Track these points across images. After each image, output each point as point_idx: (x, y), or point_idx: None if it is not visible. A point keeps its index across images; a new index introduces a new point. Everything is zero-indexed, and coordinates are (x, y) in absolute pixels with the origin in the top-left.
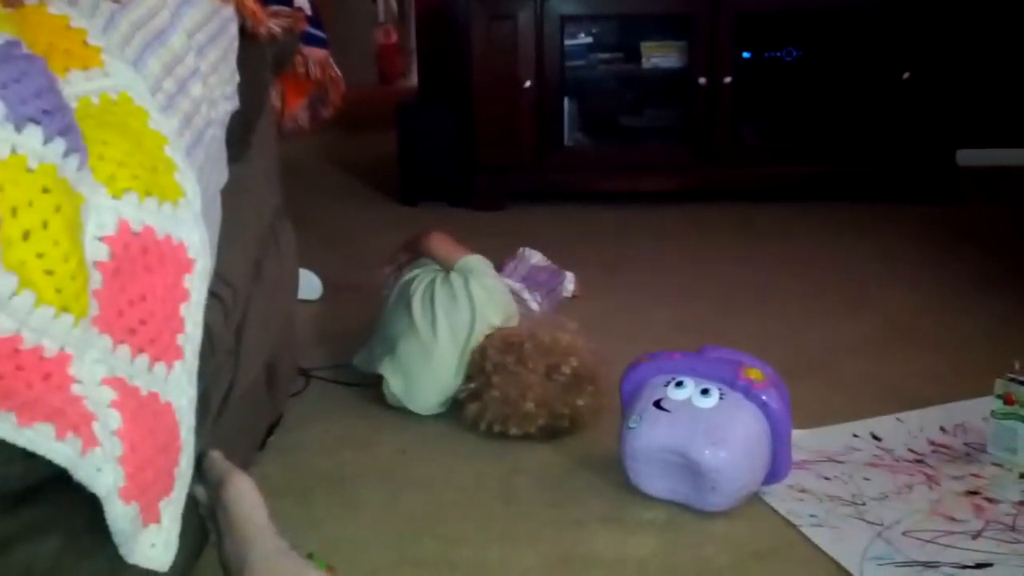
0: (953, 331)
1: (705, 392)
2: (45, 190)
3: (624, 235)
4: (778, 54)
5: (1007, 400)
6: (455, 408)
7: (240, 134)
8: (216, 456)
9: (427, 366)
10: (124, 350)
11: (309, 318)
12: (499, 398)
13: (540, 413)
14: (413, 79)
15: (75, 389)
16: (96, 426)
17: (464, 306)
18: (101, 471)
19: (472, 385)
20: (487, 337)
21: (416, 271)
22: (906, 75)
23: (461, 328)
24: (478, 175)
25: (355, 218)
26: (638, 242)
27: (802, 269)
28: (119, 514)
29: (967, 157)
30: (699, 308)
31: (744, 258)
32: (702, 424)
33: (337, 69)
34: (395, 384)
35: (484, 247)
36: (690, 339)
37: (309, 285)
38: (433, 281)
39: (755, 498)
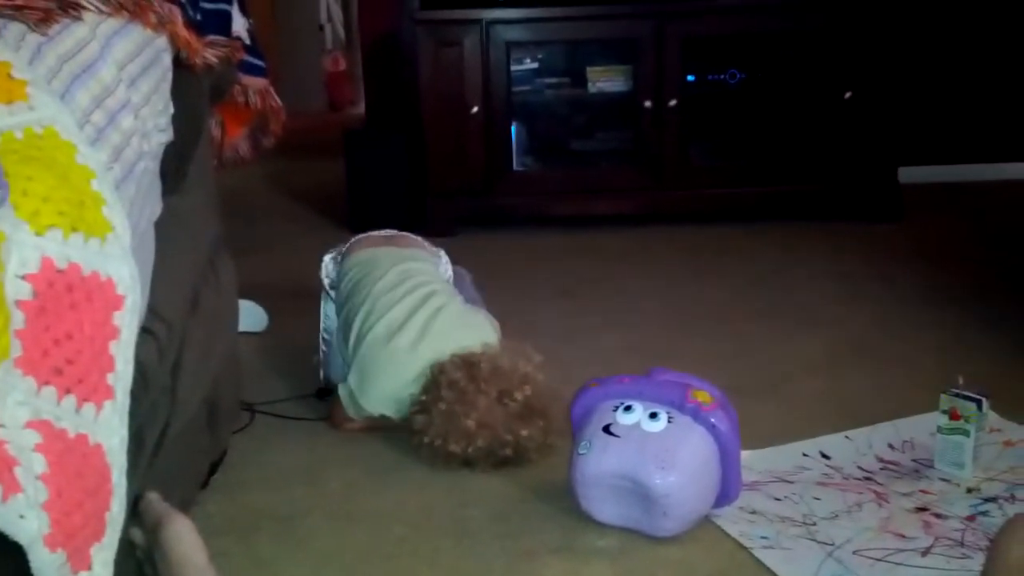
0: (902, 347)
1: (654, 416)
2: None
3: (575, 259)
4: (722, 77)
5: (952, 415)
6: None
7: (176, 165)
8: (152, 497)
9: (388, 366)
10: (50, 391)
11: (254, 351)
12: (444, 412)
13: (480, 434)
14: (362, 106)
15: None
16: (19, 471)
17: (473, 336)
18: (24, 518)
19: (423, 398)
20: (451, 354)
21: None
22: (848, 95)
23: (448, 348)
24: (428, 201)
25: (303, 247)
26: (589, 265)
27: (751, 289)
28: (45, 562)
29: (909, 174)
30: (650, 330)
31: (694, 279)
32: (651, 448)
33: (277, 98)
34: (351, 378)
35: None
36: (641, 362)
37: (254, 317)
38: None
39: (706, 521)
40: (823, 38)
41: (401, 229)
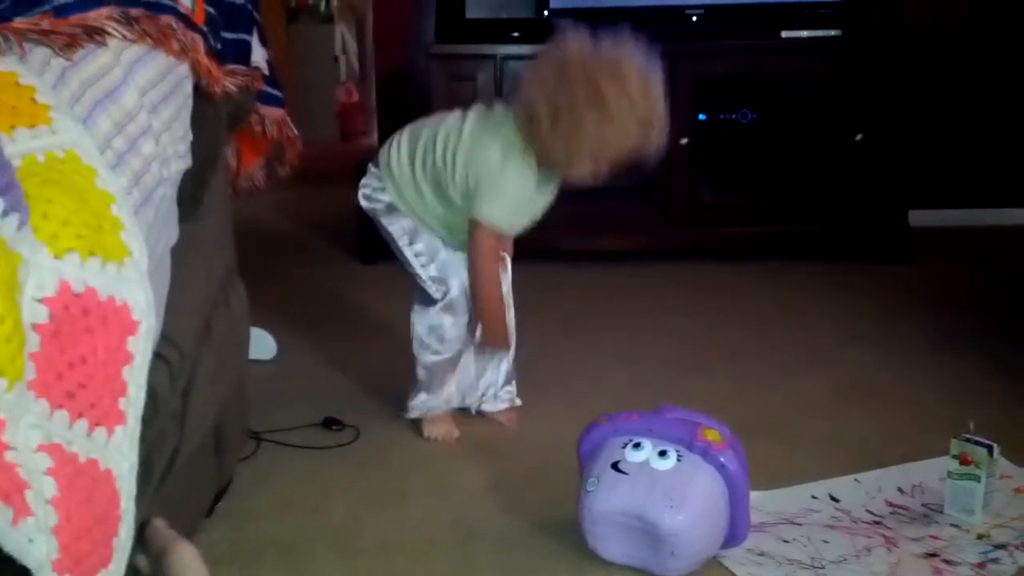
0: (910, 390)
1: (663, 454)
2: None
3: (582, 294)
4: (734, 116)
5: (963, 460)
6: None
7: (192, 192)
8: (159, 524)
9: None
10: (62, 415)
11: (262, 378)
12: None
13: None
14: (374, 137)
15: (8, 456)
16: (29, 494)
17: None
18: (33, 542)
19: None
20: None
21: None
22: (859, 137)
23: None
24: None
25: (312, 276)
26: (597, 301)
27: (759, 328)
28: None
29: (920, 218)
30: (657, 367)
31: (702, 317)
32: (660, 487)
33: (294, 128)
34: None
35: None
36: (648, 398)
37: (263, 345)
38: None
39: (714, 562)
40: (835, 80)
41: None
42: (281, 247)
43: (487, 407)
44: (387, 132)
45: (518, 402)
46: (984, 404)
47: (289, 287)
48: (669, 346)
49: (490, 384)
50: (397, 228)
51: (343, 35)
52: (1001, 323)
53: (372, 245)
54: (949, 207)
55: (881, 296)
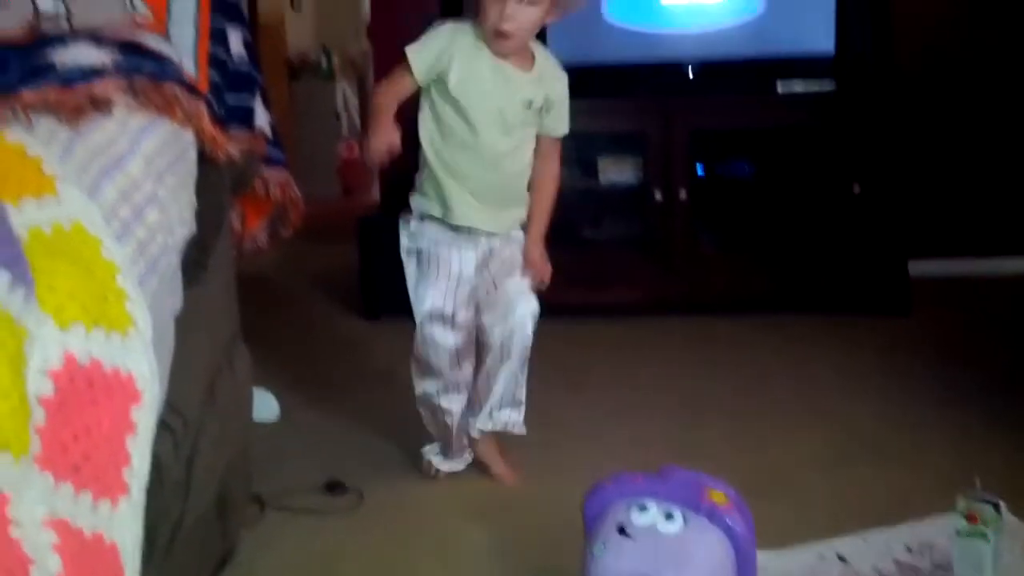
0: (915, 445)
1: (669, 516)
2: None
3: (584, 348)
4: (732, 169)
5: (970, 518)
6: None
7: (196, 258)
8: None
9: None
10: (67, 488)
11: (265, 439)
12: None
13: None
14: (375, 192)
15: (12, 531)
16: (34, 571)
17: None
18: None
19: None
20: None
21: None
22: (856, 188)
23: None
24: None
25: (315, 333)
26: (598, 355)
27: (760, 382)
28: None
29: (919, 268)
30: (660, 423)
31: (704, 371)
32: (667, 550)
33: (297, 190)
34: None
35: None
36: (651, 456)
37: (265, 406)
38: None
39: None
40: (831, 132)
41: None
42: (283, 303)
43: (482, 425)
44: (389, 188)
45: (517, 430)
46: (989, 457)
47: (292, 344)
48: (671, 401)
49: (491, 403)
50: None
51: (344, 92)
52: (1003, 374)
53: (375, 301)
54: (948, 256)
55: (882, 348)
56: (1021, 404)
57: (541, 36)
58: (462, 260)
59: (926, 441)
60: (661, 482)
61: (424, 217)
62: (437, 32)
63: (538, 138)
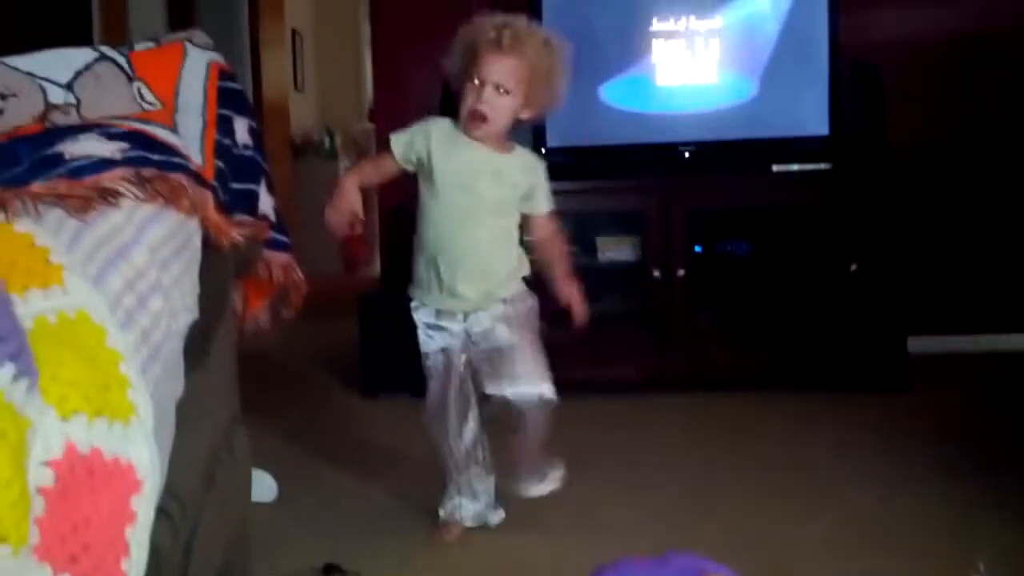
0: (917, 527)
1: None
2: None
3: (584, 427)
4: (729, 248)
5: None
6: None
7: (199, 343)
8: None
9: None
10: None
11: (262, 522)
12: None
13: None
14: (376, 268)
15: None
16: None
17: None
18: None
19: None
20: None
21: None
22: (854, 267)
23: None
24: None
25: (313, 410)
26: (598, 433)
27: (760, 462)
28: None
29: (918, 344)
30: (661, 504)
31: (704, 451)
32: None
33: (299, 272)
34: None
35: None
36: (653, 538)
37: (263, 486)
38: None
39: None
40: (827, 211)
41: (412, 395)
42: (282, 380)
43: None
44: (389, 264)
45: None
46: (993, 538)
47: (290, 422)
48: (671, 481)
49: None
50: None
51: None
52: (1005, 451)
53: (374, 378)
54: (947, 333)
55: (882, 426)
56: (1021, 483)
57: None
58: (450, 335)
59: (929, 522)
60: (663, 567)
61: (415, 299)
62: (419, 122)
63: (529, 219)
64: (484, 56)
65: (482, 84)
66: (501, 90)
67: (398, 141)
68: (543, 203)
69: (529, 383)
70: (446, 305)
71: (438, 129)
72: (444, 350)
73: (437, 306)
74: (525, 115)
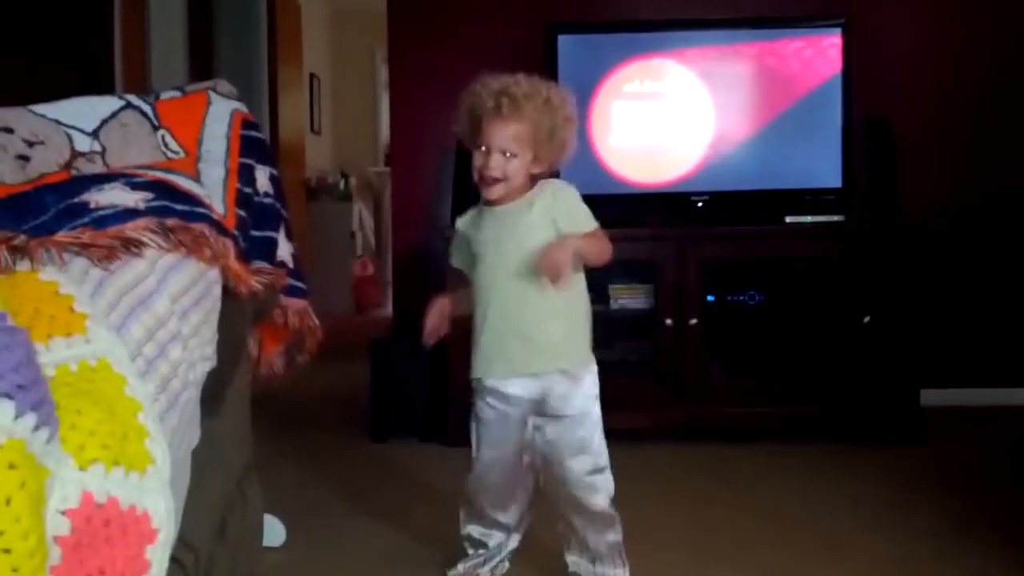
0: None
1: None
2: (11, 466)
3: None
4: (742, 298)
5: None
6: None
7: (215, 390)
8: None
9: None
10: None
11: (271, 568)
12: None
13: None
14: (388, 309)
15: None
16: None
17: None
18: None
19: None
20: None
21: None
22: (867, 319)
23: None
24: (450, 410)
25: (322, 454)
26: None
27: (773, 515)
28: None
29: (930, 397)
30: (672, 558)
31: (715, 503)
32: None
33: (315, 318)
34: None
35: (454, 484)
36: None
37: (272, 531)
38: None
39: None
40: (840, 263)
41: (421, 439)
42: (291, 422)
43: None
44: (401, 305)
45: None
46: None
47: (298, 466)
48: (683, 534)
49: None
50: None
51: (360, 212)
52: (1020, 507)
53: (383, 423)
54: (960, 387)
55: (894, 480)
56: None
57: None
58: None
59: None
60: None
61: (474, 380)
62: (455, 231)
63: None
64: (487, 124)
65: (488, 151)
66: (507, 154)
67: (454, 258)
68: (580, 224)
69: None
70: (494, 372)
71: (467, 220)
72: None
73: (483, 376)
74: (536, 170)
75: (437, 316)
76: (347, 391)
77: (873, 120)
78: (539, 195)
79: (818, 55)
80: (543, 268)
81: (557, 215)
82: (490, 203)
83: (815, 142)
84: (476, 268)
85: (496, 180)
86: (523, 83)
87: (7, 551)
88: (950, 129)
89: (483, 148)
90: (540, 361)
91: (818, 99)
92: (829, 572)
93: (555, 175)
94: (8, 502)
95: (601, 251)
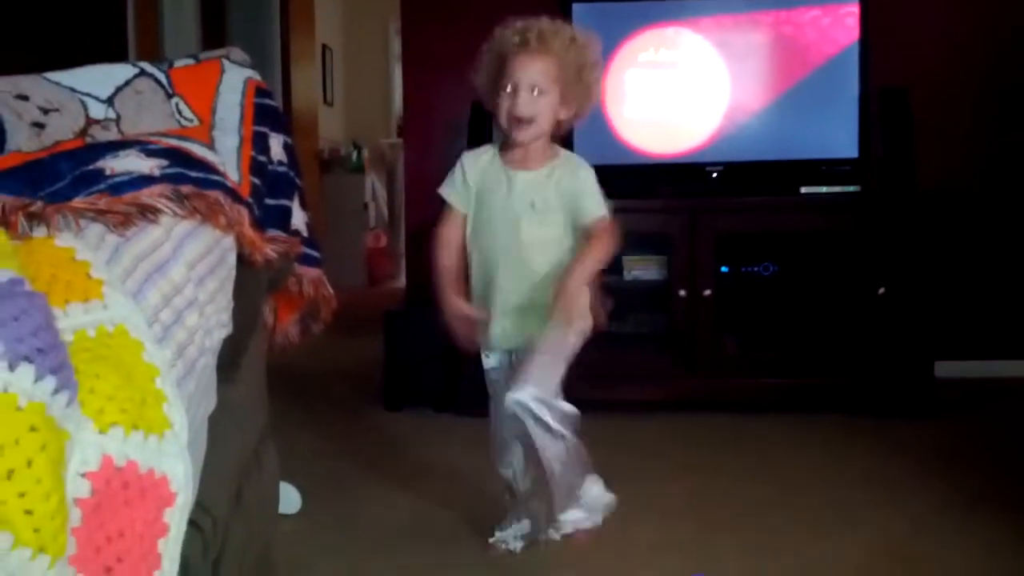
0: (944, 556)
1: None
2: (32, 428)
3: (606, 446)
4: (756, 269)
5: None
6: None
7: (232, 357)
8: None
9: None
10: None
11: (286, 536)
12: None
13: None
14: (401, 280)
15: None
16: None
17: None
18: None
19: None
20: None
21: None
22: (881, 290)
23: None
24: (462, 380)
25: (337, 424)
26: (621, 454)
27: (786, 485)
28: None
29: (945, 369)
30: (684, 527)
31: (728, 473)
32: None
33: (329, 287)
34: None
35: (468, 454)
36: (674, 563)
37: (287, 499)
38: None
39: None
40: (855, 234)
41: (435, 410)
42: (306, 392)
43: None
44: (415, 277)
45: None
46: (1021, 571)
47: (313, 435)
48: (695, 503)
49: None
50: None
51: (373, 184)
52: None
53: (397, 393)
54: (975, 359)
55: (909, 452)
56: None
57: (568, 140)
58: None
59: (958, 554)
60: None
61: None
62: (456, 165)
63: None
64: (513, 61)
65: (516, 89)
66: (536, 91)
67: (452, 192)
68: (586, 210)
69: (518, 389)
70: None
71: (479, 161)
72: (495, 368)
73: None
74: (563, 115)
75: (463, 324)
76: (361, 363)
77: (890, 90)
78: (559, 166)
79: (835, 24)
80: (564, 315)
81: (572, 193)
82: (509, 158)
83: (831, 112)
84: (479, 222)
85: (526, 121)
86: (548, 22)
87: (29, 512)
88: (968, 100)
89: (509, 89)
90: (534, 325)
91: (835, 68)
92: (841, 546)
93: (568, 143)
94: (29, 464)
95: (605, 256)
